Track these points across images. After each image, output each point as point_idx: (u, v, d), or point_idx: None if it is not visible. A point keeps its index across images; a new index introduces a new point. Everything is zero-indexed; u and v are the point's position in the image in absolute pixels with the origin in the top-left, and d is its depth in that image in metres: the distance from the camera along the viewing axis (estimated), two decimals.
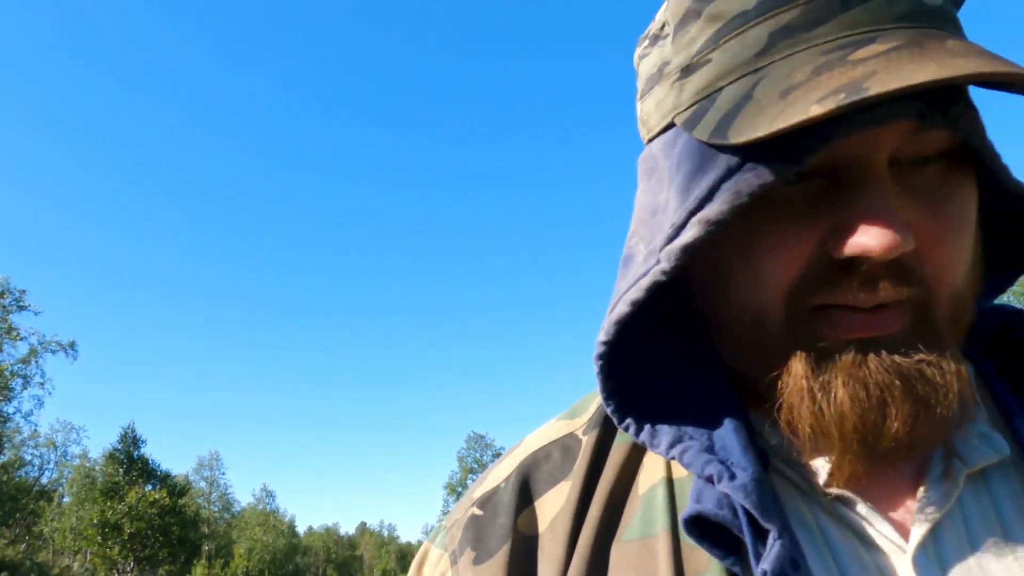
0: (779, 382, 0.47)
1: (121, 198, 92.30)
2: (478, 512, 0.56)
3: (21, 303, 26.96)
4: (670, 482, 0.51)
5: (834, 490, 0.48)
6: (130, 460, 29.19)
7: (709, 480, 0.47)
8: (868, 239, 0.42)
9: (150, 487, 28.34)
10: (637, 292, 0.48)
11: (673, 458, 0.49)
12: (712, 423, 0.51)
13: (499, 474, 0.58)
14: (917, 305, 0.45)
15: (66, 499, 44.45)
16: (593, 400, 0.60)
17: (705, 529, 0.46)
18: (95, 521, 25.85)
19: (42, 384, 29.16)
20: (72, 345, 30.17)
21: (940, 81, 0.36)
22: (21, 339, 27.77)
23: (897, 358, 0.44)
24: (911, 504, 0.48)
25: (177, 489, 28.98)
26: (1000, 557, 0.45)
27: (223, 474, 56.99)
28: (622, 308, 0.49)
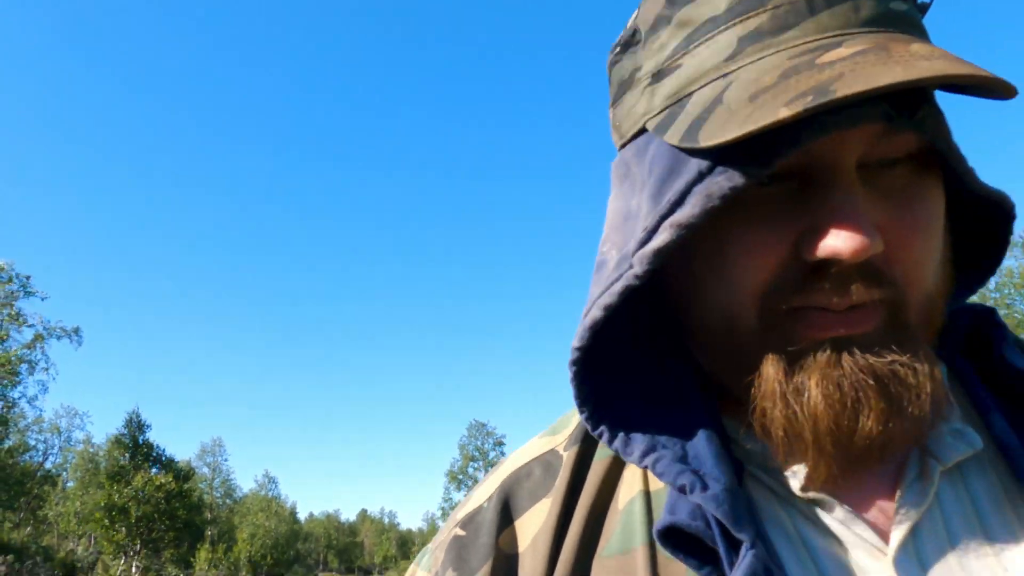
0: (753, 386, 0.47)
1: (125, 186, 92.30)
2: (461, 532, 0.57)
3: (28, 289, 27.13)
4: (647, 495, 0.51)
5: (811, 494, 0.48)
6: (135, 445, 29.44)
7: (682, 490, 0.47)
8: (838, 242, 0.42)
9: (155, 471, 28.58)
10: (610, 297, 0.48)
11: (646, 467, 0.49)
12: (686, 431, 0.51)
13: (482, 494, 0.59)
14: (889, 306, 0.45)
15: (70, 484, 44.75)
16: (574, 416, 0.59)
17: (680, 540, 0.46)
18: (102, 504, 26.11)
19: (46, 370, 29.36)
20: (76, 331, 30.34)
21: (905, 83, 0.37)
22: (27, 325, 27.94)
23: (871, 358, 0.44)
24: (889, 506, 0.48)
25: (182, 474, 29.26)
26: (979, 551, 0.46)
27: (225, 460, 57.41)
28: (596, 313, 0.49)
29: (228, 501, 57.29)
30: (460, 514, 0.59)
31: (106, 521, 25.64)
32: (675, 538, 0.46)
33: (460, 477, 49.28)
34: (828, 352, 0.44)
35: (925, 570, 0.45)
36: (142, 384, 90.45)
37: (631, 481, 0.53)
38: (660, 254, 0.46)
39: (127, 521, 25.78)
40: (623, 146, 0.56)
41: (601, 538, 0.51)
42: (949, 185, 0.50)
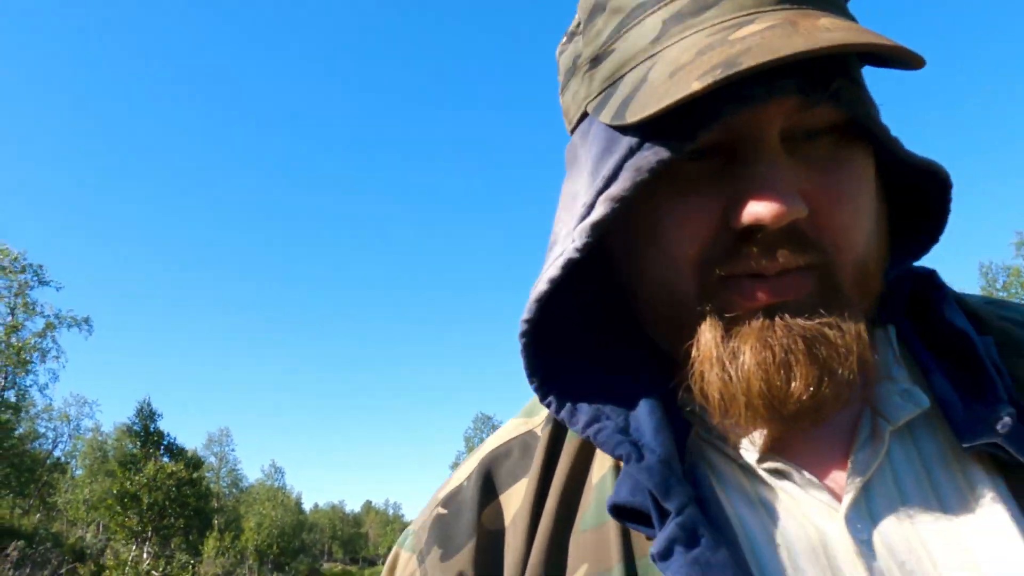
0: (690, 352, 0.49)
1: (136, 174, 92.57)
2: (442, 511, 0.58)
3: (43, 278, 27.38)
4: (618, 469, 0.52)
5: (768, 464, 0.50)
6: (147, 433, 29.72)
7: (620, 460, 0.50)
8: (760, 208, 0.44)
9: (166, 460, 28.87)
10: (554, 271, 0.50)
11: (588, 437, 0.52)
12: (631, 402, 0.53)
13: (461, 474, 0.61)
14: (820, 270, 0.47)
15: (79, 472, 45.09)
16: None
17: (631, 512, 0.48)
18: (114, 491, 26.40)
19: (57, 358, 29.62)
20: (87, 320, 30.58)
21: (805, 53, 0.39)
22: (39, 314, 28.20)
23: (801, 322, 0.46)
24: (844, 468, 0.50)
25: (193, 462, 29.54)
26: (927, 505, 0.48)
27: (232, 450, 57.72)
28: (541, 287, 0.51)
29: (235, 491, 57.65)
30: (441, 494, 0.60)
31: (118, 508, 25.92)
32: (625, 512, 0.48)
33: None
34: (761, 318, 0.47)
35: (876, 524, 0.47)
36: (150, 373, 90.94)
37: (603, 457, 0.54)
38: (597, 227, 0.49)
39: (138, 508, 26.06)
40: (572, 131, 0.58)
41: (578, 513, 0.52)
42: (885, 157, 0.52)
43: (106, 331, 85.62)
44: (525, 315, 0.52)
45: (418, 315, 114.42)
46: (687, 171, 0.48)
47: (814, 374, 0.45)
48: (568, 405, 0.53)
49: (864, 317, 0.49)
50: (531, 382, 0.54)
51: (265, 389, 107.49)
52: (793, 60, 0.40)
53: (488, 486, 0.57)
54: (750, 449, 0.51)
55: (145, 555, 26.25)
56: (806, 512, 0.48)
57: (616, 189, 0.48)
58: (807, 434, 0.51)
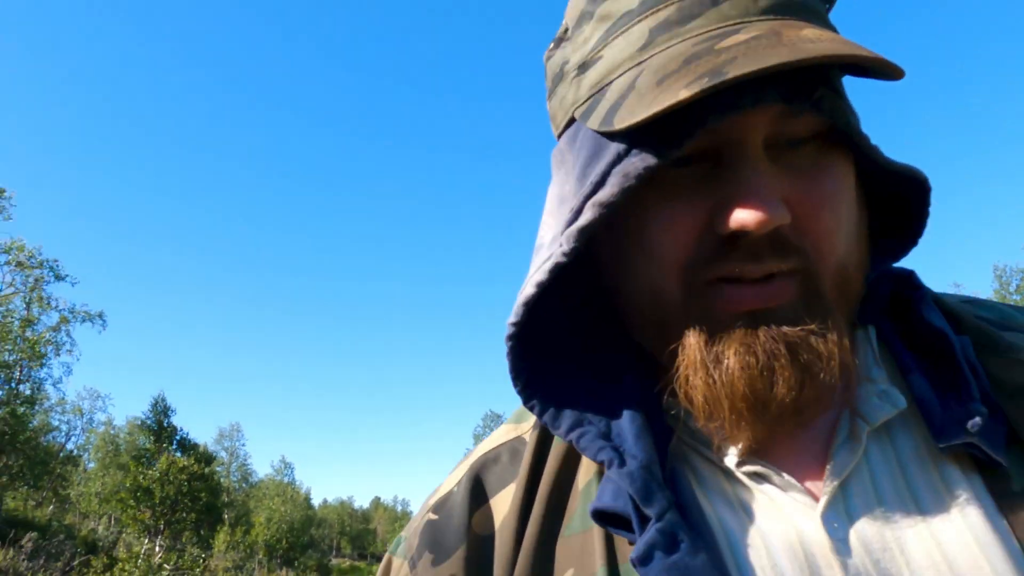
0: (677, 356, 0.50)
1: (147, 169, 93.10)
2: (433, 517, 0.59)
3: (59, 273, 27.58)
4: (602, 474, 0.53)
5: (748, 467, 0.51)
6: (160, 428, 29.96)
7: (602, 466, 0.50)
8: (744, 214, 0.45)
9: (179, 454, 29.08)
10: (541, 275, 0.51)
11: (571, 441, 0.53)
12: (614, 406, 0.53)
13: (452, 480, 0.61)
14: (802, 275, 0.48)
15: (91, 465, 45.40)
16: None
17: (612, 517, 0.49)
18: (128, 485, 26.61)
19: (70, 351, 29.83)
20: (101, 315, 30.77)
21: (790, 64, 0.40)
22: (54, 309, 28.40)
23: (784, 327, 0.47)
24: (823, 469, 0.51)
25: (205, 457, 29.73)
26: (903, 504, 0.49)
27: (243, 445, 58.09)
28: (529, 290, 0.52)
29: (244, 485, 57.92)
30: (432, 500, 0.61)
31: (131, 501, 26.13)
32: (607, 517, 0.49)
33: None
34: (745, 323, 0.48)
35: (852, 522, 0.48)
36: (162, 368, 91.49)
37: (589, 462, 0.54)
38: (585, 232, 0.50)
39: (151, 502, 26.25)
40: (559, 135, 0.59)
41: (564, 518, 0.53)
42: (866, 165, 0.54)
43: (119, 325, 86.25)
44: (512, 318, 0.53)
45: (430, 312, 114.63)
46: (673, 177, 0.49)
47: (796, 378, 0.46)
48: (551, 409, 0.54)
49: (845, 321, 0.50)
50: (515, 385, 0.54)
51: (275, 384, 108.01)
52: (778, 71, 0.41)
53: (478, 491, 0.58)
54: (730, 453, 0.52)
55: (157, 548, 26.44)
56: (785, 513, 0.49)
57: (603, 195, 0.49)
58: (786, 436, 0.52)
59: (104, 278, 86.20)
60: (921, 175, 0.55)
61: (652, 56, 0.49)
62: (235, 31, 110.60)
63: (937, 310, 0.57)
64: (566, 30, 0.58)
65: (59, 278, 27.75)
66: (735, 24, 0.48)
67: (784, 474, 0.51)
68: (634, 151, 0.48)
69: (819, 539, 0.48)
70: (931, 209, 0.57)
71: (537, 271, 0.52)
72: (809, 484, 0.51)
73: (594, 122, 0.50)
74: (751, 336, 0.47)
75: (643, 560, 0.45)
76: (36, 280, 27.89)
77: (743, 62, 0.42)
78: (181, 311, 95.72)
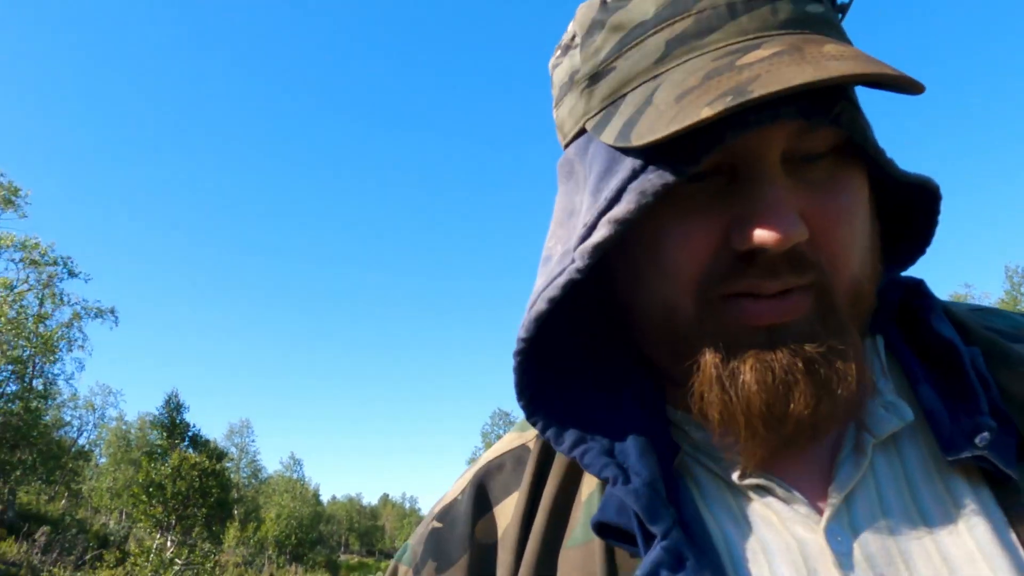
0: (692, 372, 0.49)
1: (160, 164, 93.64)
2: (437, 525, 0.59)
3: (73, 270, 27.81)
4: (605, 486, 0.52)
5: (752, 480, 0.51)
6: (173, 424, 30.21)
7: (606, 482, 0.50)
8: (763, 232, 0.45)
9: (191, 451, 29.31)
10: (554, 290, 0.50)
11: (575, 458, 0.52)
12: (618, 423, 0.53)
13: (457, 488, 0.62)
14: (818, 289, 0.48)
15: (102, 460, 45.79)
16: None
17: (614, 531, 0.49)
18: (140, 480, 26.85)
19: (82, 347, 30.10)
20: (112, 311, 31.02)
21: (815, 83, 0.40)
22: (67, 304, 28.67)
23: (802, 343, 0.46)
24: (827, 482, 0.51)
25: (217, 453, 29.96)
26: (908, 517, 0.48)
27: (252, 441, 58.37)
28: (541, 305, 0.51)
29: (254, 481, 58.26)
30: (437, 508, 0.62)
31: (143, 496, 26.37)
32: (609, 530, 0.49)
33: None
34: (761, 339, 0.47)
35: (856, 536, 0.48)
36: (172, 363, 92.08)
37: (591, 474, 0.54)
38: (599, 249, 0.49)
39: (163, 497, 26.48)
40: (567, 145, 0.58)
41: (567, 530, 0.53)
42: (877, 174, 0.53)
43: (131, 321, 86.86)
44: (522, 333, 0.52)
45: (439, 310, 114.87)
46: (688, 192, 0.49)
47: (813, 394, 0.46)
48: (555, 425, 0.53)
49: (860, 335, 0.50)
50: (520, 399, 0.54)
51: (284, 380, 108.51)
52: (803, 90, 0.40)
53: (481, 500, 0.58)
54: (734, 465, 0.52)
55: (169, 543, 26.68)
56: (788, 526, 0.49)
57: (619, 211, 0.48)
58: (791, 449, 0.51)
59: (115, 274, 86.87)
60: (933, 184, 0.55)
61: (669, 70, 0.48)
62: (253, 22, 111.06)
63: (946, 320, 0.57)
64: (573, 37, 0.56)
65: (73, 275, 28.01)
66: (755, 38, 0.47)
67: (788, 487, 0.50)
68: (650, 167, 0.47)
69: (822, 553, 0.47)
70: (940, 216, 0.57)
71: (549, 286, 0.51)
72: (813, 497, 0.50)
73: (608, 136, 0.49)
74: (768, 352, 0.47)
75: None
76: (49, 276, 28.15)
77: (767, 80, 0.41)
78: (192, 307, 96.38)
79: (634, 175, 0.48)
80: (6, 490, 27.74)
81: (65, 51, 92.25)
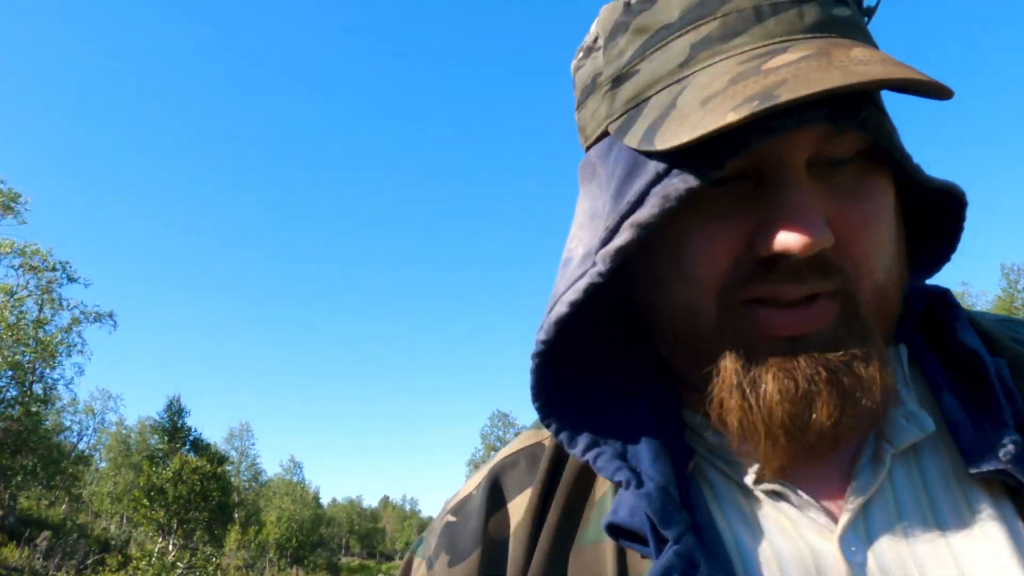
0: (711, 378, 0.49)
1: (157, 169, 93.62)
2: (452, 519, 0.60)
3: (72, 276, 27.88)
4: (617, 488, 0.52)
5: (766, 485, 0.51)
6: (175, 429, 30.31)
7: (619, 486, 0.50)
8: (788, 237, 0.44)
9: (191, 455, 29.42)
10: (575, 293, 0.50)
11: (587, 461, 0.52)
12: (632, 427, 0.53)
13: (471, 483, 0.62)
14: (842, 296, 0.47)
15: (102, 464, 45.84)
16: None
17: (626, 532, 0.49)
18: (142, 484, 26.93)
19: (81, 352, 30.17)
20: (111, 315, 31.09)
21: (843, 88, 0.39)
22: (65, 309, 28.72)
23: (825, 352, 0.46)
24: (844, 490, 0.50)
25: (217, 457, 30.04)
26: (925, 529, 0.48)
27: (252, 444, 58.37)
28: (561, 308, 0.51)
29: (254, 484, 58.30)
30: (451, 502, 0.62)
31: (144, 501, 26.44)
32: (621, 532, 0.49)
33: (481, 466, 49.66)
34: (784, 348, 0.47)
35: (871, 546, 0.48)
36: (171, 366, 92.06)
37: None
38: (622, 252, 0.48)
39: (164, 501, 26.56)
40: (588, 147, 0.58)
41: (579, 528, 0.53)
42: (902, 179, 0.53)
43: (130, 325, 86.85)
44: (542, 336, 0.52)
45: (437, 311, 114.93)
46: (711, 196, 0.48)
47: (837, 404, 0.45)
48: (568, 428, 0.54)
49: (884, 343, 0.49)
50: (535, 401, 0.54)
51: (284, 383, 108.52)
52: (830, 95, 0.40)
53: (495, 495, 0.58)
54: (749, 469, 0.52)
55: (170, 547, 26.75)
56: (802, 533, 0.49)
57: (642, 215, 0.47)
58: (809, 457, 0.50)
59: (110, 275, 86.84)
60: (958, 191, 0.54)
61: (694, 73, 0.47)
62: (248, 13, 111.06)
63: (972, 330, 0.56)
64: (595, 39, 0.56)
65: (72, 280, 28.09)
66: (781, 42, 0.46)
67: (802, 493, 0.50)
68: (674, 171, 0.47)
69: (836, 562, 0.47)
70: (966, 223, 0.57)
71: (570, 289, 0.51)
72: (829, 505, 0.50)
73: (632, 139, 0.49)
74: (790, 361, 0.46)
75: None
76: (48, 282, 28.22)
77: (794, 85, 0.40)
78: (189, 308, 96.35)
79: (657, 179, 0.47)
80: (7, 495, 27.80)
81: (61, 51, 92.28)
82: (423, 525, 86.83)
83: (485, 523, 0.57)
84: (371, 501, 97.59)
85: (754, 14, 0.47)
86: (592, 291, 0.50)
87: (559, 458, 0.58)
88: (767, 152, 0.46)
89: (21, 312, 25.54)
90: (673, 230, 0.49)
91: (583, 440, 0.53)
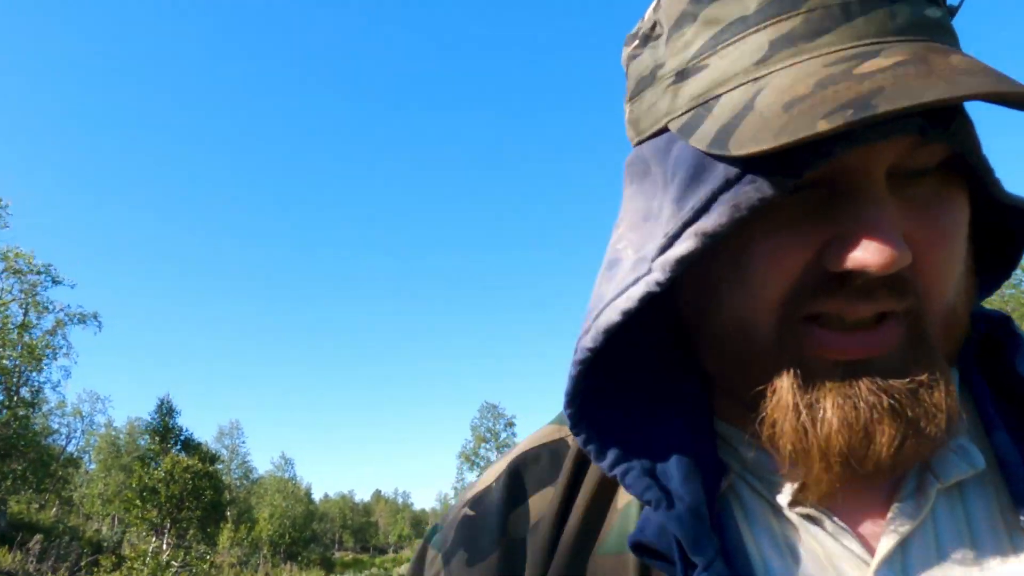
0: (763, 396, 0.46)
1: (139, 167, 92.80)
2: (470, 513, 0.58)
3: (56, 278, 27.77)
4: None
5: (801, 508, 0.48)
6: (166, 429, 30.34)
7: (647, 504, 0.48)
8: (867, 254, 0.41)
9: (182, 454, 29.49)
10: (628, 302, 0.46)
11: (615, 476, 0.50)
12: (661, 439, 0.51)
13: (490, 475, 0.60)
14: (911, 317, 0.44)
15: (92, 466, 45.76)
16: None
17: (651, 550, 0.47)
18: (134, 485, 26.97)
19: (67, 355, 30.09)
20: (95, 316, 31.00)
21: (949, 100, 0.36)
22: (49, 311, 28.64)
23: (889, 379, 0.43)
24: (881, 520, 0.48)
25: (209, 456, 30.12)
26: (966, 572, 0.45)
27: (243, 442, 58.44)
28: (612, 316, 0.47)
29: (246, 482, 58.36)
30: (469, 494, 0.60)
31: (137, 501, 26.49)
32: (646, 550, 0.47)
33: (473, 458, 49.94)
34: (845, 372, 0.44)
35: None
36: (159, 367, 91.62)
37: None
38: (683, 262, 0.45)
39: (157, 501, 26.63)
40: (640, 142, 0.54)
41: (600, 535, 0.52)
42: (975, 191, 0.49)
43: (115, 326, 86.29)
44: (588, 343, 0.48)
45: (424, 303, 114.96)
46: (780, 204, 0.44)
47: (898, 433, 0.43)
48: (597, 440, 0.51)
49: (950, 370, 0.46)
50: (568, 408, 0.51)
51: (272, 381, 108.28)
52: (933, 107, 0.36)
53: (515, 491, 0.57)
54: (786, 489, 0.49)
55: (165, 546, 26.86)
56: (835, 563, 0.47)
57: (708, 223, 0.44)
58: (857, 484, 0.48)
59: (93, 277, 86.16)
60: None
61: (773, 73, 0.43)
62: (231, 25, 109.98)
63: None
64: (654, 27, 0.52)
65: (56, 282, 27.99)
66: (873, 44, 0.42)
67: (837, 519, 0.48)
68: (747, 178, 0.43)
69: None
70: None
71: (622, 296, 0.47)
72: (865, 535, 0.48)
73: (700, 141, 0.44)
74: (851, 387, 0.43)
75: None
76: (32, 285, 28.11)
77: (892, 94, 0.36)
78: (173, 308, 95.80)
79: (727, 185, 0.43)
80: None
81: (34, 45, 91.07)
82: (416, 518, 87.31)
83: (505, 520, 0.55)
84: (363, 495, 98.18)
85: (842, 12, 0.43)
86: (647, 300, 0.47)
87: (583, 459, 0.56)
88: (845, 160, 0.43)
89: (6, 316, 25.45)
90: (737, 238, 0.45)
91: (611, 454, 0.50)
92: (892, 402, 0.43)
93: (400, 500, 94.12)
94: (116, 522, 38.34)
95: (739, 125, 0.42)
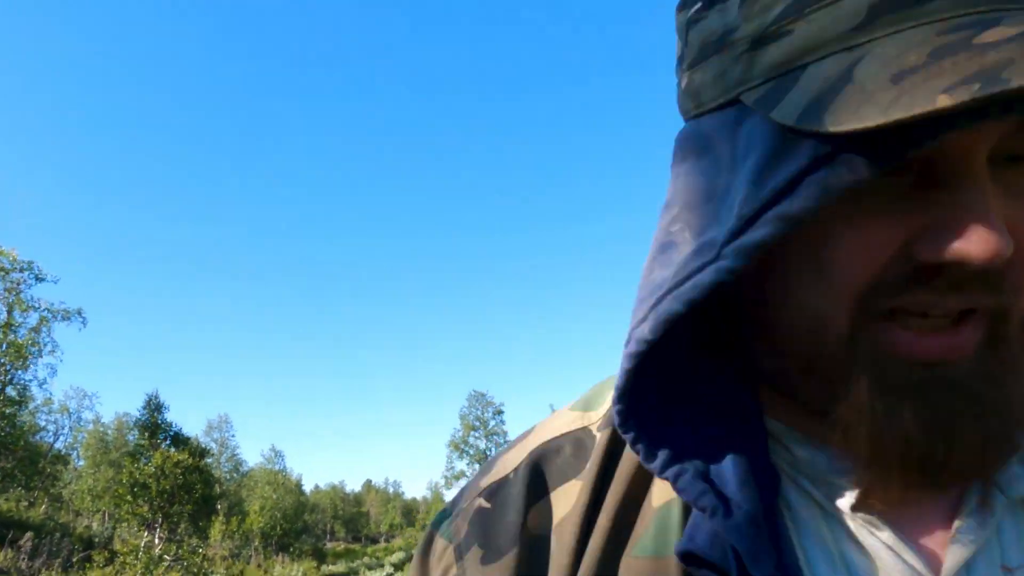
0: (832, 396, 0.43)
1: (124, 161, 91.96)
2: (485, 504, 0.54)
3: (39, 275, 27.69)
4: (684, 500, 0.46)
5: (861, 515, 0.45)
6: (155, 425, 30.41)
7: (703, 511, 0.44)
8: (969, 244, 0.37)
9: (172, 449, 29.60)
10: (694, 290, 0.41)
11: (667, 479, 0.45)
12: (716, 445, 0.47)
13: (508, 464, 0.56)
14: (995, 316, 0.40)
15: (80, 463, 45.76)
16: (608, 391, 0.56)
17: (700, 559, 0.43)
18: (124, 481, 27.06)
19: (52, 352, 30.05)
20: (80, 312, 30.93)
21: None
22: (33, 309, 28.55)
23: (970, 383, 0.40)
24: (943, 534, 0.45)
25: (199, 450, 30.23)
26: None
27: (232, 436, 58.52)
28: (674, 306, 0.42)
29: (236, 475, 58.50)
30: (484, 482, 0.56)
31: (128, 497, 26.58)
32: (696, 560, 0.44)
33: (462, 447, 50.30)
34: (925, 375, 0.40)
35: None
36: (146, 361, 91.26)
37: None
38: (760, 248, 0.39)
39: (148, 496, 26.75)
40: (699, 115, 0.48)
41: (632, 535, 0.48)
42: None
43: (100, 321, 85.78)
44: (647, 334, 0.43)
45: (410, 291, 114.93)
46: (870, 188, 0.39)
47: (981, 440, 0.40)
48: (646, 439, 0.46)
49: None
50: (618, 403, 0.46)
51: (260, 374, 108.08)
52: None
53: (536, 484, 0.53)
54: (847, 492, 0.46)
55: (156, 540, 27.01)
56: None
57: (792, 206, 0.38)
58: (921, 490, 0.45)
59: (75, 271, 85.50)
60: None
61: (873, 41, 0.38)
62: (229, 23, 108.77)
63: None
64: None
65: (40, 279, 27.92)
66: (990, 11, 0.36)
67: (898, 531, 0.44)
68: (841, 157, 0.37)
69: None
70: None
71: (686, 283, 0.42)
72: (925, 548, 0.44)
73: (785, 115, 0.39)
74: (932, 391, 0.40)
75: None
76: (15, 283, 28.00)
77: None
78: (158, 300, 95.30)
79: (815, 165, 0.38)
80: None
81: (17, 43, 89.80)
82: (407, 507, 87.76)
83: (524, 516, 0.52)
84: (354, 486, 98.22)
85: None
86: (715, 289, 0.42)
87: (613, 451, 0.52)
88: (948, 143, 0.38)
89: None
90: (818, 223, 0.41)
91: (662, 455, 0.46)
92: (975, 407, 0.40)
93: (391, 489, 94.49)
94: (107, 518, 38.40)
95: (834, 99, 0.37)
